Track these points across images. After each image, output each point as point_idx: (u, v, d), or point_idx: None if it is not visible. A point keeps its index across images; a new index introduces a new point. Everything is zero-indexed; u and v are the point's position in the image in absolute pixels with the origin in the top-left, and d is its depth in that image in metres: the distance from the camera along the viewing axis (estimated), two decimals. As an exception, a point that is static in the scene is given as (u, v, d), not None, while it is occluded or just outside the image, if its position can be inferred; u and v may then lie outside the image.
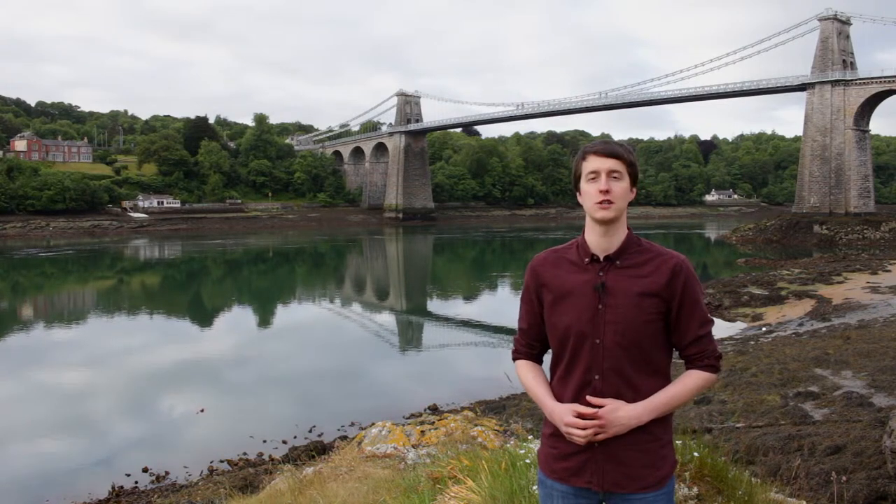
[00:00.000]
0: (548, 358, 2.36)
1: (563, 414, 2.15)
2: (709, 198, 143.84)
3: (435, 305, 35.58)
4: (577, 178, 2.23)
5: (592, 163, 2.17)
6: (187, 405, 16.19)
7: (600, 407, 2.12)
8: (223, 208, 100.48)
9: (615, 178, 2.15)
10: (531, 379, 2.31)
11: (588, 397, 2.14)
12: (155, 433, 14.42)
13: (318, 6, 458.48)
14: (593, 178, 2.17)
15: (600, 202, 2.14)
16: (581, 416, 2.12)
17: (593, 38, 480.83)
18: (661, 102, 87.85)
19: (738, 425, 10.39)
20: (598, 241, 2.20)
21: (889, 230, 60.29)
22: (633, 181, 2.19)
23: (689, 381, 2.18)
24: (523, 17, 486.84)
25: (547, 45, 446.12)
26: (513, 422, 10.43)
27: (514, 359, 2.39)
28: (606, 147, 2.17)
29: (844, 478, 6.94)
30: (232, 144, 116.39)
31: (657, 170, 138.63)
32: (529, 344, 2.35)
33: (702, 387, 2.20)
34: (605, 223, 2.17)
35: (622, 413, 2.11)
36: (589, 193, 2.17)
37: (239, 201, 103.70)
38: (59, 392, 17.83)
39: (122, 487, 11.41)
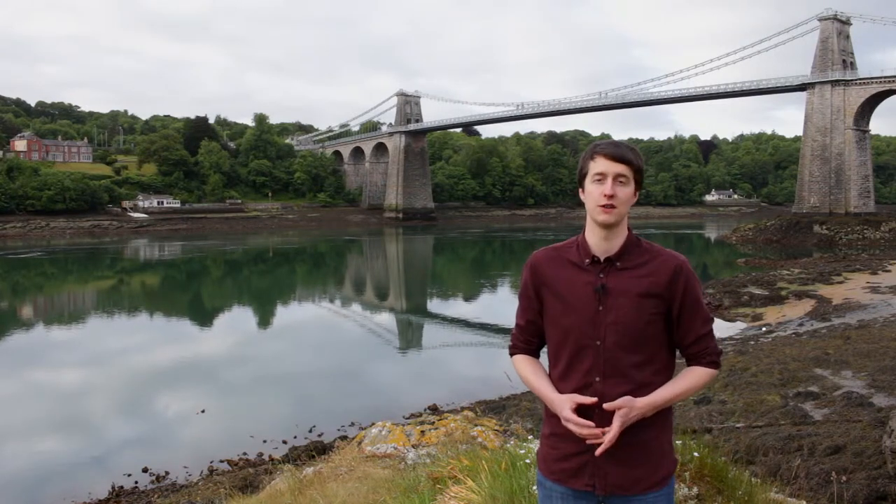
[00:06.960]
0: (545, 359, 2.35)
1: (562, 405, 2.13)
2: (709, 198, 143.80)
3: (435, 305, 35.56)
4: (583, 177, 2.21)
5: (600, 164, 2.14)
6: (187, 405, 16.17)
7: (598, 399, 2.10)
8: (223, 208, 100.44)
9: (621, 182, 2.13)
10: (531, 373, 2.29)
11: (605, 405, 2.10)
12: (155, 433, 14.41)
13: (315, 7, 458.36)
14: (599, 180, 2.14)
15: (603, 206, 2.12)
16: (580, 406, 2.11)
17: (590, 39, 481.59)
18: (661, 102, 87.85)
19: (738, 425, 10.38)
20: (598, 242, 2.19)
21: (889, 230, 60.27)
22: (638, 186, 2.18)
23: (691, 377, 2.19)
24: (520, 18, 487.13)
25: (544, 46, 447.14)
26: (513, 422, 10.42)
27: (512, 354, 2.37)
28: (616, 151, 2.14)
29: (844, 478, 6.94)
30: (232, 144, 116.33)
31: (657, 170, 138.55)
32: (528, 340, 2.33)
33: (704, 382, 2.21)
34: (606, 227, 2.16)
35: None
36: (593, 195, 2.15)
37: (239, 201, 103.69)
38: (58, 392, 17.82)
39: (122, 487, 11.40)
